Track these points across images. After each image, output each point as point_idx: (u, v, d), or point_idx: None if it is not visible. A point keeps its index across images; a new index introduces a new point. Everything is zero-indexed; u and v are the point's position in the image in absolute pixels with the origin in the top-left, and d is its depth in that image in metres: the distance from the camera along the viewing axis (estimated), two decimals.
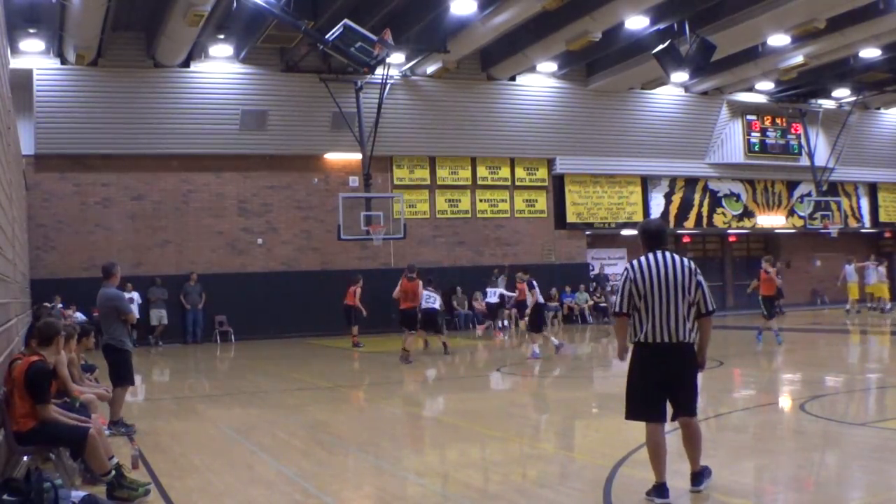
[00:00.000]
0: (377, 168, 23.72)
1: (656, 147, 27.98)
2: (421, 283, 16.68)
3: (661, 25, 20.29)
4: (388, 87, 22.24)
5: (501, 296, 24.24)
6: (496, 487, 6.69)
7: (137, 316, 10.89)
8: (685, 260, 5.90)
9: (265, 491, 6.61)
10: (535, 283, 16.42)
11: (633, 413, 5.96)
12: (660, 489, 5.71)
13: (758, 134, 29.66)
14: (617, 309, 5.99)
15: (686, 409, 5.86)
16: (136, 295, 21.20)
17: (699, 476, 5.91)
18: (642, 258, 5.91)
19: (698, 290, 5.79)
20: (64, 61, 20.97)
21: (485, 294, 24.87)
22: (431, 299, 17.29)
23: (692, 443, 5.90)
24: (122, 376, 9.49)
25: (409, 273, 16.42)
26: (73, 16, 18.05)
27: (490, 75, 25.19)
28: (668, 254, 5.90)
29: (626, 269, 5.99)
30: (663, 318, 5.73)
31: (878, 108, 31.70)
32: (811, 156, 29.92)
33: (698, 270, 5.88)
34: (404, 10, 19.76)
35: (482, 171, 26.59)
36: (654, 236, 6.01)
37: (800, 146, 30.34)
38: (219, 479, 7.04)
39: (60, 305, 18.23)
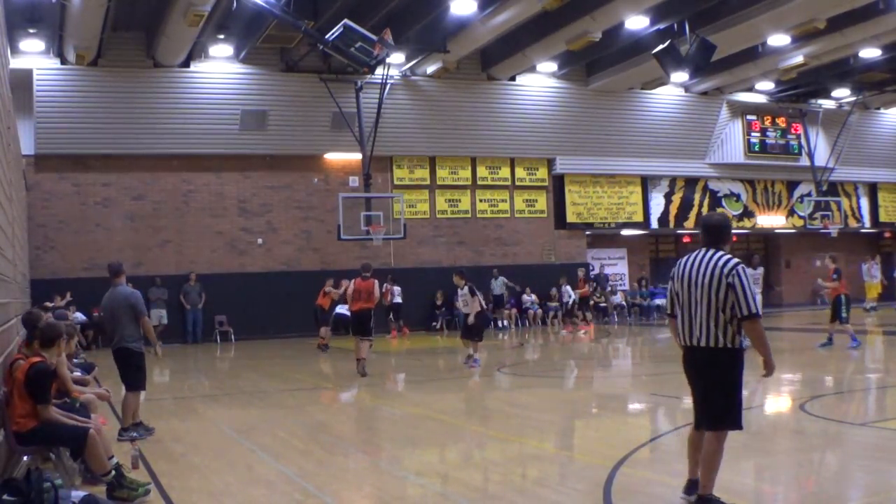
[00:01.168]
0: (377, 168, 23.72)
1: (656, 147, 27.97)
2: (376, 282, 15.25)
3: (661, 25, 20.29)
4: (388, 87, 22.24)
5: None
6: (496, 487, 6.69)
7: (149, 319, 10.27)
8: (723, 260, 5.46)
9: (265, 491, 6.62)
10: (476, 290, 15.93)
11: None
12: (687, 485, 5.67)
13: (758, 134, 29.65)
14: (667, 310, 5.93)
15: (701, 419, 5.56)
16: None
17: (694, 487, 5.56)
18: (686, 257, 5.73)
19: (730, 294, 5.35)
20: (64, 61, 20.95)
21: (561, 294, 26.45)
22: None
23: (702, 460, 5.46)
24: (139, 380, 9.14)
25: (364, 273, 15.12)
26: (73, 16, 18.05)
27: (490, 75, 25.18)
28: (709, 252, 5.55)
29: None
30: (688, 320, 5.55)
31: (878, 108, 31.68)
32: (811, 156, 29.90)
33: (737, 272, 5.36)
34: (404, 10, 19.76)
35: (482, 171, 26.58)
36: (710, 232, 5.69)
37: (800, 146, 30.33)
38: (219, 479, 7.05)
39: (62, 306, 18.09)
